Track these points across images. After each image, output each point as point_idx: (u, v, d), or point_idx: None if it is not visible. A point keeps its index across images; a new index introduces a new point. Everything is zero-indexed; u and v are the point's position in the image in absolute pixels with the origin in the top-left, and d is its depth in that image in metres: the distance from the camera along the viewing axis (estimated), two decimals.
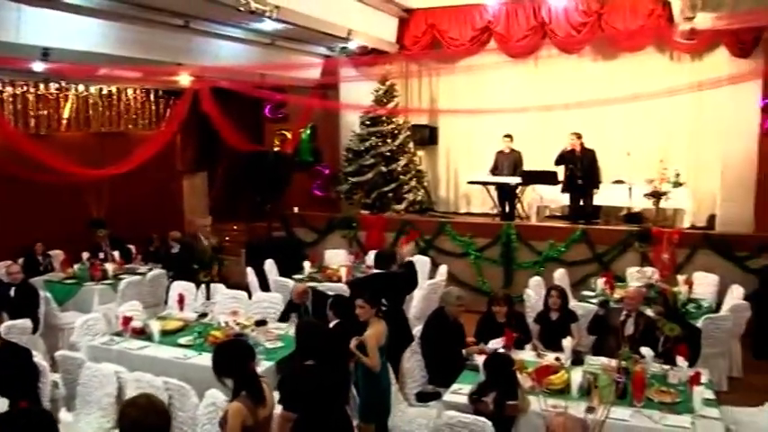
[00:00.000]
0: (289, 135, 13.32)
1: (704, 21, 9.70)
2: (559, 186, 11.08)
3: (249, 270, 9.38)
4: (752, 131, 10.77)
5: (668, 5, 10.80)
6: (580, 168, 10.62)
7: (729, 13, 9.27)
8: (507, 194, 11.55)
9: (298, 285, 7.63)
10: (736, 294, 8.13)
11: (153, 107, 13.31)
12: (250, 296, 8.20)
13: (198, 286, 8.21)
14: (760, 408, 5.56)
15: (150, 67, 9.80)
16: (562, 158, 10.81)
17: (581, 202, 10.93)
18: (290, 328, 6.66)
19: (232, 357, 4.12)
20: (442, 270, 9.54)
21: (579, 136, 10.73)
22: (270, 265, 9.45)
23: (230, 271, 11.16)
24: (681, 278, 8.47)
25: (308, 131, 13.29)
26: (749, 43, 10.71)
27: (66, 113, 11.62)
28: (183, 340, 6.45)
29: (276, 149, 13.16)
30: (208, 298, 7.89)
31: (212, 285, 8.07)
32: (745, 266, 9.34)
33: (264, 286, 9.10)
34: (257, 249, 10.76)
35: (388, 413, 5.37)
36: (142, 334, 6.58)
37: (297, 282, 8.91)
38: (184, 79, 10.47)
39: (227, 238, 13.01)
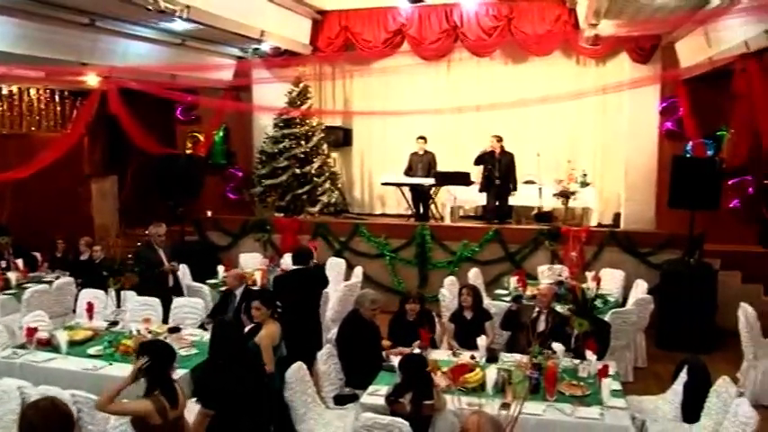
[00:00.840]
0: (201, 137, 13.09)
1: (607, 27, 10.09)
2: (473, 187, 11.30)
3: None
4: (652, 133, 11.29)
5: (574, 12, 11.20)
6: (498, 170, 10.85)
7: (630, 20, 9.66)
8: (421, 195, 11.68)
9: (232, 270, 7.71)
10: (640, 289, 8.53)
11: (58, 108, 12.81)
12: (163, 302, 8.00)
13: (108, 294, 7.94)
14: (662, 395, 5.85)
15: (53, 66, 9.42)
16: (481, 159, 11.02)
17: (497, 203, 11.18)
18: (204, 335, 6.56)
19: (157, 358, 4.18)
20: (358, 271, 9.57)
21: (500, 139, 10.96)
22: (183, 271, 9.24)
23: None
24: (589, 275, 8.80)
25: (221, 134, 13.10)
26: (648, 50, 11.26)
27: None
28: (92, 350, 6.22)
29: (188, 152, 12.90)
30: (118, 306, 7.64)
31: (123, 293, 7.80)
32: (648, 262, 9.80)
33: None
34: (170, 254, 10.49)
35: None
36: (48, 345, 6.29)
37: (211, 286, 8.82)
38: (91, 79, 10.12)
39: (138, 244, 12.62)
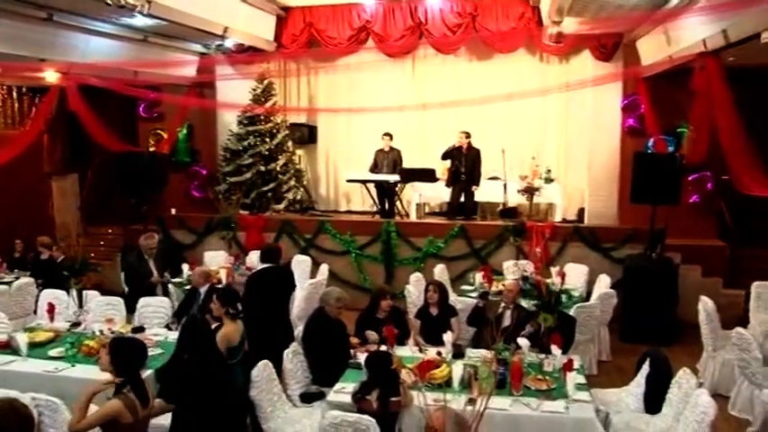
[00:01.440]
0: (164, 134, 12.94)
1: (570, 25, 10.22)
2: (438, 183, 11.36)
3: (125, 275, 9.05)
4: (614, 130, 11.45)
5: (537, 10, 11.31)
6: (464, 165, 10.92)
7: (592, 18, 9.78)
8: (386, 192, 11.69)
9: (197, 268, 7.67)
10: (603, 283, 8.65)
11: (16, 105, 12.53)
12: (127, 302, 7.90)
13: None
14: (625, 388, 5.94)
15: (10, 62, 9.22)
16: (449, 154, 11.07)
17: (462, 199, 11.24)
18: (169, 335, 6.49)
19: (126, 354, 4.17)
20: (323, 269, 9.54)
21: (468, 135, 11.02)
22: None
23: (105, 277, 10.74)
24: (554, 270, 8.89)
25: (185, 131, 12.96)
26: (610, 48, 11.42)
27: None
28: (53, 352, 6.09)
29: (151, 149, 12.75)
30: (80, 306, 7.51)
31: (85, 292, 7.67)
32: (611, 257, 9.95)
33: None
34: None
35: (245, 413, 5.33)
36: (8, 348, 6.14)
37: (175, 285, 8.73)
38: (50, 76, 9.95)
39: (101, 243, 12.47)
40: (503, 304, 6.78)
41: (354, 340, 6.37)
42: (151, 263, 8.31)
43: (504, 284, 7.41)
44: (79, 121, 10.88)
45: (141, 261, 8.28)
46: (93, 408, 4.21)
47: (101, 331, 6.44)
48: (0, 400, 3.42)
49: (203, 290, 7.27)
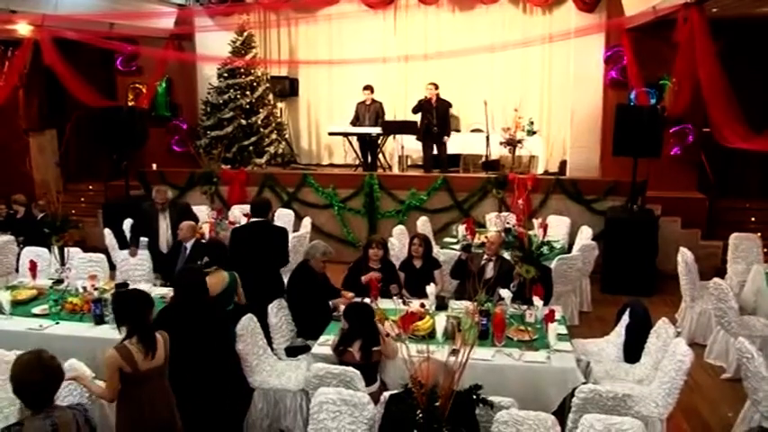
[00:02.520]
0: (143, 89, 12.72)
1: None
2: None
3: (107, 231, 9.00)
4: (597, 82, 11.40)
5: None
6: (435, 117, 10.90)
7: None
8: (369, 145, 11.66)
9: (186, 222, 7.48)
10: (585, 235, 8.75)
11: None
12: (110, 258, 7.90)
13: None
14: (606, 338, 6.06)
15: None
16: (420, 107, 11.04)
17: (434, 151, 11.23)
18: (154, 290, 6.49)
19: (128, 306, 4.20)
20: (306, 222, 9.58)
21: (436, 86, 10.98)
22: (129, 226, 9.10)
23: (87, 233, 10.71)
24: (536, 222, 8.96)
25: (164, 85, 12.75)
26: None
27: None
28: (37, 310, 6.10)
29: (130, 104, 12.55)
30: (62, 264, 7.48)
31: (68, 249, 7.64)
32: (592, 209, 10.06)
33: (124, 247, 8.76)
34: (115, 210, 10.34)
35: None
36: None
37: None
38: (22, 28, 9.71)
39: (82, 199, 12.37)
40: (485, 256, 6.84)
41: (350, 294, 6.32)
42: (161, 218, 8.16)
43: (486, 237, 7.45)
44: (56, 75, 10.67)
45: (151, 217, 8.13)
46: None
47: (84, 288, 6.43)
48: (28, 353, 3.41)
49: (189, 244, 7.26)
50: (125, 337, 4.10)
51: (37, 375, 3.28)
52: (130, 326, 4.11)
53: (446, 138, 11.15)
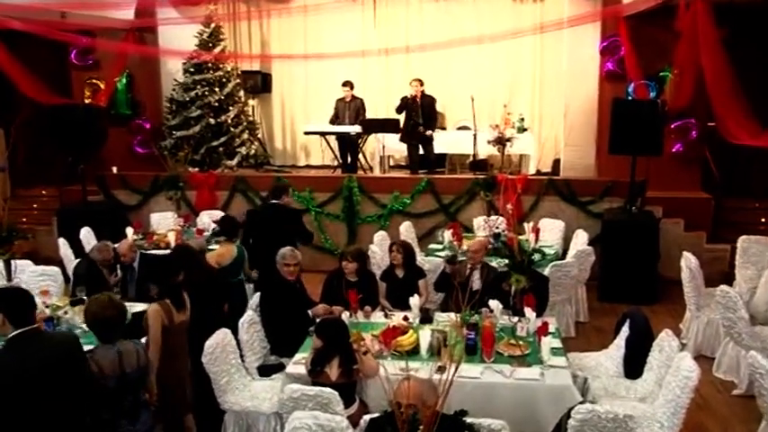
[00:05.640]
0: (101, 85, 12.57)
1: None
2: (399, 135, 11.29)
3: (62, 241, 8.85)
4: (592, 75, 11.40)
5: None
6: (420, 116, 10.86)
7: None
8: (348, 145, 11.62)
9: (123, 241, 7.40)
10: (580, 240, 8.72)
11: None
12: (65, 271, 7.75)
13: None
14: (604, 351, 6.01)
15: None
16: (404, 106, 11.00)
17: (421, 151, 11.19)
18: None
19: (161, 271, 5.63)
20: None
21: (421, 83, 10.96)
22: (86, 234, 8.98)
23: (40, 243, 10.55)
24: (527, 226, 8.90)
25: (124, 81, 12.58)
26: None
27: None
28: None
29: (87, 101, 12.40)
30: (9, 279, 7.30)
31: (14, 262, 7.47)
32: (588, 211, 10.05)
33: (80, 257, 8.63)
34: (71, 216, 10.22)
35: None
36: None
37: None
38: None
39: (34, 206, 12.20)
40: (470, 265, 6.78)
41: (326, 307, 6.23)
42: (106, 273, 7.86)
43: (468, 244, 7.39)
44: (1, 69, 10.53)
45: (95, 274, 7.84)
46: None
47: None
48: (101, 294, 4.33)
49: (136, 264, 7.09)
50: (158, 298, 5.00)
51: (110, 312, 4.12)
52: (162, 288, 5.08)
53: (429, 132, 11.10)
